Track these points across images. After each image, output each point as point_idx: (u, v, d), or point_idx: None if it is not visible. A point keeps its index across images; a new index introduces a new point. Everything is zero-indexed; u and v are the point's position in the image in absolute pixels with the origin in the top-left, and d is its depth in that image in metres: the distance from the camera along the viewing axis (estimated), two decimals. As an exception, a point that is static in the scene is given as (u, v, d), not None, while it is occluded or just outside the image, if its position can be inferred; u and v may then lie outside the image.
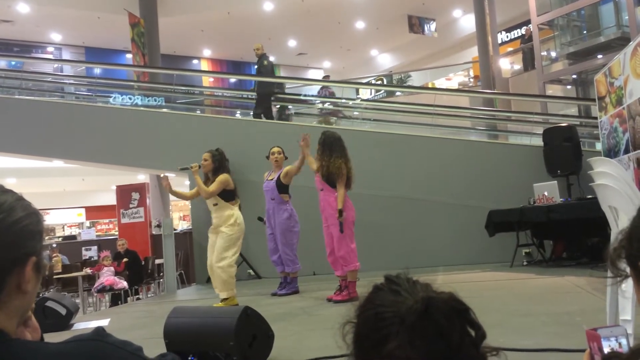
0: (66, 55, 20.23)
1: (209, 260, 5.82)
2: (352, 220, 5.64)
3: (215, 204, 5.83)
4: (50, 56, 19.90)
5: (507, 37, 19.69)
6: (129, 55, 17.69)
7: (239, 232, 5.78)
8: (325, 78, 16.62)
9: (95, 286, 8.65)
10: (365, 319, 0.82)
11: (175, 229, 9.88)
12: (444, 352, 0.74)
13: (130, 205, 11.62)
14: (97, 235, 15.76)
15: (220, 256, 5.68)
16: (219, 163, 5.91)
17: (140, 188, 11.82)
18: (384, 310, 0.79)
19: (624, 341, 1.04)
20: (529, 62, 16.35)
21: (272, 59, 23.83)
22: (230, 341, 3.23)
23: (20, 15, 17.27)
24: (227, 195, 5.82)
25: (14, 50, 18.86)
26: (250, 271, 9.00)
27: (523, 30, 17.91)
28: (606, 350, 1.03)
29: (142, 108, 10.85)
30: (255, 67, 10.76)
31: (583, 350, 1.09)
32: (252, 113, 10.67)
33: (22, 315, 0.99)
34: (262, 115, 10.27)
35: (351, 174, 5.66)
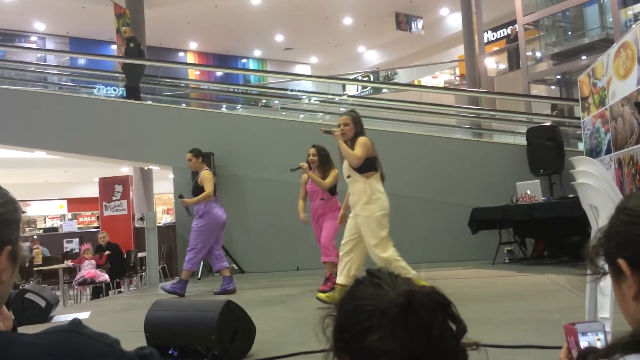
0: (50, 45, 19.94)
1: None
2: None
3: None
4: (34, 45, 19.60)
5: (493, 36, 19.81)
6: (114, 47, 17.49)
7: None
8: None
9: (76, 279, 8.56)
10: (346, 311, 0.81)
11: (158, 223, 9.79)
12: (424, 345, 0.75)
13: (113, 198, 11.49)
14: (78, 228, 15.54)
15: None
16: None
17: (124, 181, 11.70)
18: (365, 304, 0.79)
19: (601, 336, 1.05)
20: (514, 61, 16.47)
21: (258, 53, 23.93)
22: (212, 335, 3.22)
23: (4, 3, 16.99)
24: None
25: (-3, 39, 18.53)
26: (234, 265, 8.97)
27: (509, 30, 18.01)
28: (583, 345, 1.03)
29: (126, 100, 10.73)
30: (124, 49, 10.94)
31: (561, 347, 1.10)
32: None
33: (-3, 305, 0.97)
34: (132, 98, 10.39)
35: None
